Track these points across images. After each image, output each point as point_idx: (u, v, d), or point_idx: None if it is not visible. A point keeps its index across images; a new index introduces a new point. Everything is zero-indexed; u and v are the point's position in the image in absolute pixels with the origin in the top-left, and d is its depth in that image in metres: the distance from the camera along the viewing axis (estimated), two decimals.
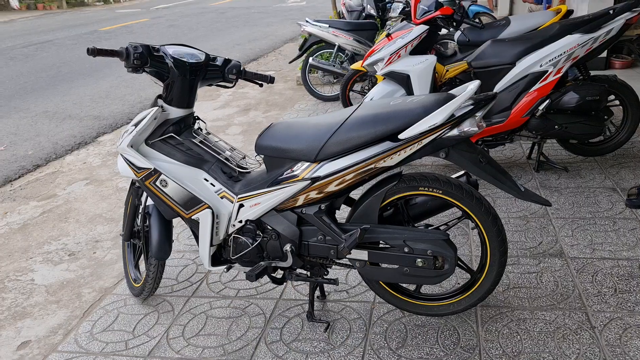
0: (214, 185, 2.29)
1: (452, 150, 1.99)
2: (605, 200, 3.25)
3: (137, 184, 2.50)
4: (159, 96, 2.33)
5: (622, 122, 3.70)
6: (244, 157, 2.44)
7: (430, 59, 3.59)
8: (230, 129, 5.54)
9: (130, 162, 2.30)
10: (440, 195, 2.09)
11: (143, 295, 2.60)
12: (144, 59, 2.15)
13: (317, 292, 2.56)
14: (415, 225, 2.23)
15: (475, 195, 2.07)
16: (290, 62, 6.48)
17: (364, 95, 5.17)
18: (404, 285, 2.37)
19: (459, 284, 2.55)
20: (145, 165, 2.26)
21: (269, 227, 2.27)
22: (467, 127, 1.92)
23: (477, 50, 3.67)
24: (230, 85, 2.42)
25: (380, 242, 2.17)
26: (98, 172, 4.56)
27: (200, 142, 2.33)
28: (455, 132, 1.93)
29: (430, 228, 2.18)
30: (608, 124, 3.60)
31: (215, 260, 2.38)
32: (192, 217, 2.28)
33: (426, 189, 2.09)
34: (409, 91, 3.64)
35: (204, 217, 2.25)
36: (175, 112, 2.28)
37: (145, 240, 2.55)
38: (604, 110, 3.49)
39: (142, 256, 2.66)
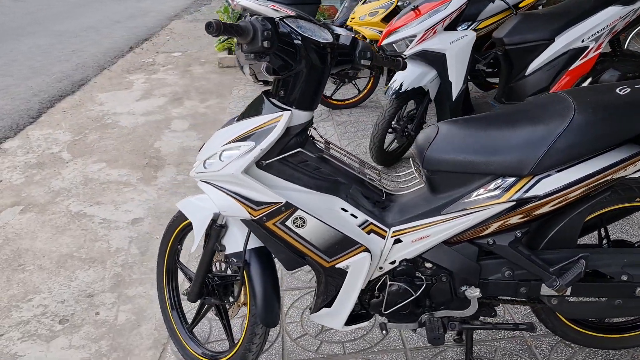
0: (355, 217, 1.63)
1: None
2: None
3: (219, 222, 1.72)
4: (266, 93, 1.59)
5: None
6: (379, 173, 1.80)
7: (470, 35, 3.14)
8: (174, 123, 4.61)
9: (241, 195, 1.54)
10: None
11: None
12: (274, 39, 1.41)
13: (454, 335, 2.03)
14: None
15: None
16: (221, 43, 5.62)
17: None
18: None
19: None
20: (271, 199, 1.53)
21: (431, 265, 1.68)
22: None
23: (507, 26, 3.31)
24: (351, 75, 1.75)
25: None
26: (29, 193, 3.42)
27: (330, 156, 1.65)
28: None
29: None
30: None
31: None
32: (337, 266, 1.60)
33: None
34: (444, 73, 3.17)
35: (357, 264, 1.59)
36: (299, 117, 1.56)
37: (221, 298, 1.81)
38: None
39: (217, 319, 1.90)
